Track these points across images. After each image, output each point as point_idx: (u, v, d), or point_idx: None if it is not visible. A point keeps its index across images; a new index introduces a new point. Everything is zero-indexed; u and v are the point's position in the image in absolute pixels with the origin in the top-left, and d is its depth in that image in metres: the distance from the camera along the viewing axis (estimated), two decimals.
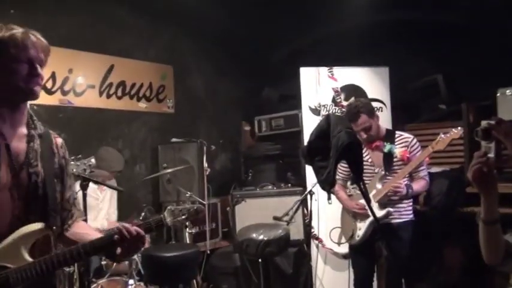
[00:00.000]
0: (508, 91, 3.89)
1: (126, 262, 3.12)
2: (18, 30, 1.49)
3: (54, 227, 1.54)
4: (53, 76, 4.01)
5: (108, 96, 4.53)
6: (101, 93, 4.47)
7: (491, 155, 1.39)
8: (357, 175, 1.97)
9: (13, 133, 1.50)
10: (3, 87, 1.46)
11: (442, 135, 2.94)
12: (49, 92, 4.01)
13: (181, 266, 2.64)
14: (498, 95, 3.91)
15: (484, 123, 1.38)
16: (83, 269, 2.69)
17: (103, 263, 3.25)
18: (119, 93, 4.62)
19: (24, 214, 1.49)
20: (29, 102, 1.57)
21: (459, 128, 2.94)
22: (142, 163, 4.80)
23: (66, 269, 2.63)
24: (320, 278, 4.14)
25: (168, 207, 1.68)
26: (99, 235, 1.61)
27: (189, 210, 1.69)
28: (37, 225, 1.49)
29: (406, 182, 3.05)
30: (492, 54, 4.07)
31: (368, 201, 1.95)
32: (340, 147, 1.83)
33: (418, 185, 3.10)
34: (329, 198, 2.20)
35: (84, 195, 2.53)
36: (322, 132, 1.96)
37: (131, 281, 3.06)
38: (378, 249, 3.05)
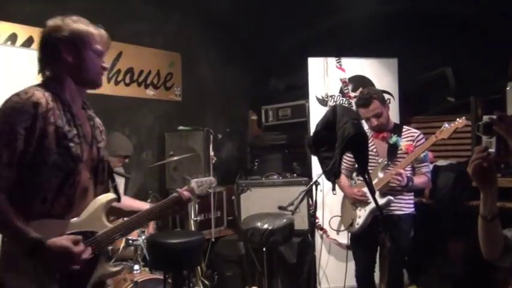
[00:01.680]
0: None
1: (132, 248, 3.16)
2: (102, 29, 1.78)
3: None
4: None
5: (116, 83, 4.54)
6: (108, 80, 4.48)
7: (492, 150, 1.38)
8: (362, 166, 1.97)
9: (80, 114, 1.74)
10: (80, 76, 1.70)
11: (446, 125, 2.94)
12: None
13: (186, 253, 2.66)
14: (508, 88, 3.88)
15: (486, 117, 1.37)
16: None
17: (109, 248, 3.28)
18: (127, 80, 4.63)
19: (94, 186, 1.74)
20: None
21: (463, 117, 2.93)
22: (149, 150, 4.83)
23: None
24: (323, 268, 4.17)
25: (193, 180, 2.06)
26: (143, 203, 1.98)
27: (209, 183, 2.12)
28: (110, 195, 1.77)
29: (408, 174, 3.05)
30: (502, 47, 4.02)
31: (373, 192, 1.95)
32: (346, 138, 1.83)
33: (419, 180, 3.09)
34: (333, 189, 2.20)
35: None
36: (328, 123, 1.96)
37: (136, 267, 3.10)
38: (382, 240, 3.06)
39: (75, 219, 1.64)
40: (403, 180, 2.94)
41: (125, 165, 4.07)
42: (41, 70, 1.72)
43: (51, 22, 1.69)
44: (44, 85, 1.66)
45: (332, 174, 1.93)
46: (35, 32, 3.83)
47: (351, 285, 3.51)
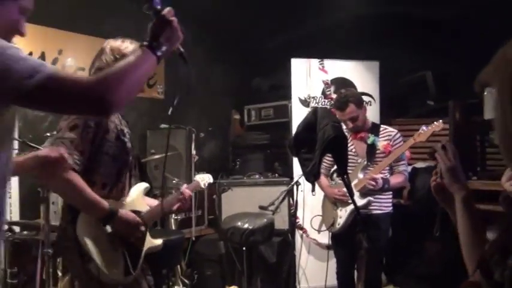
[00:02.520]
0: (494, 90, 3.94)
1: None
2: None
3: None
4: (42, 56, 3.96)
5: None
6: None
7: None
8: (341, 168, 2.01)
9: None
10: None
11: (424, 128, 3.01)
12: None
13: (165, 252, 2.64)
14: (485, 93, 3.95)
15: (436, 145, 1.47)
16: None
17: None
18: None
19: (129, 175, 2.09)
20: None
21: (440, 121, 3.00)
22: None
23: (49, 251, 2.65)
24: (303, 268, 4.21)
25: (197, 175, 2.57)
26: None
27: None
28: (146, 184, 2.23)
29: (384, 176, 3.10)
30: (481, 52, 4.11)
31: (352, 194, 1.99)
32: (326, 140, 1.86)
33: (396, 180, 3.15)
34: (313, 190, 2.23)
35: None
36: (309, 125, 1.99)
37: None
38: (359, 241, 3.11)
39: (127, 200, 2.05)
40: (378, 185, 3.00)
41: None
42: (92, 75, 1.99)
43: (119, 42, 2.15)
44: None
45: (312, 175, 1.97)
46: None
47: (332, 284, 3.54)
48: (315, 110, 1.99)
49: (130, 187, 2.12)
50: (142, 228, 2.01)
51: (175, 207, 2.33)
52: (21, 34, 1.44)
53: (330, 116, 1.95)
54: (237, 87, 5.67)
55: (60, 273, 2.90)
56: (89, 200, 1.81)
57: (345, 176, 1.96)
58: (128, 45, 2.11)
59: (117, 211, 1.89)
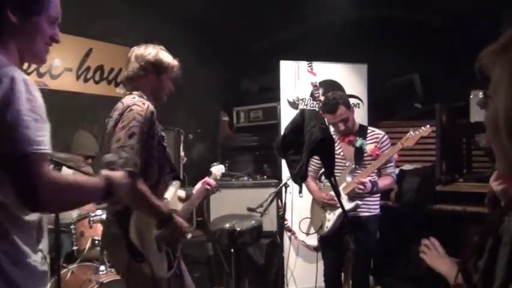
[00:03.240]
0: (480, 93, 3.99)
1: (98, 248, 3.11)
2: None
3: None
4: None
5: (86, 80, 4.47)
6: (78, 77, 4.40)
7: None
8: (328, 170, 2.01)
9: None
10: (155, 94, 2.24)
11: (412, 132, 3.02)
12: (24, 73, 3.92)
13: None
14: (471, 96, 4.02)
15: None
16: (54, 253, 2.67)
17: (74, 248, 3.23)
18: (97, 77, 4.56)
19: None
20: None
21: (428, 126, 3.02)
22: None
23: None
24: (291, 269, 4.21)
25: (213, 167, 2.77)
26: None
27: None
28: (179, 182, 2.34)
29: (372, 179, 3.11)
30: (468, 55, 4.15)
31: (338, 195, 1.99)
32: (313, 142, 1.86)
33: (384, 182, 3.17)
34: (300, 192, 2.25)
35: None
36: (296, 127, 1.99)
37: (102, 267, 3.04)
38: (346, 243, 3.12)
39: (167, 199, 2.16)
40: (366, 189, 3.02)
41: (91, 164, 4.02)
42: (126, 82, 2.24)
43: (143, 49, 2.25)
44: (142, 96, 2.13)
45: (299, 177, 1.96)
46: None
47: (321, 286, 3.53)
48: (302, 112, 1.98)
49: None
50: (188, 233, 2.24)
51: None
52: (57, 42, 1.57)
53: (317, 118, 1.95)
54: (226, 89, 5.67)
55: None
56: (153, 205, 1.96)
57: (332, 178, 1.96)
58: (150, 51, 2.21)
59: (173, 216, 2.04)
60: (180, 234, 2.14)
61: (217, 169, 2.76)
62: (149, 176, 2.05)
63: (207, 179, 2.60)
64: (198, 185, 2.58)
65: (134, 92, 2.14)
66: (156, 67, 2.19)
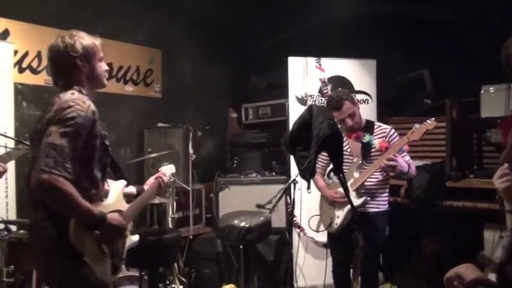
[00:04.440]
0: (491, 88, 3.96)
1: None
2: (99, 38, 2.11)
3: None
4: (38, 55, 3.96)
5: None
6: None
7: None
8: (336, 166, 2.01)
9: None
10: (94, 80, 2.06)
11: (417, 126, 2.99)
12: (34, 71, 3.95)
13: (162, 250, 2.66)
14: (482, 92, 3.98)
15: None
16: None
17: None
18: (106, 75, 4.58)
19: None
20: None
21: (432, 118, 2.99)
22: (127, 147, 4.79)
23: None
24: (300, 266, 4.21)
25: (163, 167, 2.61)
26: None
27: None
28: (124, 182, 2.25)
29: (382, 175, 3.09)
30: (479, 51, 4.12)
31: (347, 191, 1.99)
32: (321, 138, 1.86)
33: (409, 162, 3.10)
34: (308, 187, 2.23)
35: None
36: (304, 123, 1.99)
37: None
38: (355, 239, 3.10)
39: (108, 201, 2.06)
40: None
41: None
42: (57, 80, 2.01)
43: (60, 42, 1.97)
44: (81, 92, 1.97)
45: (307, 173, 1.97)
46: (11, 25, 3.77)
47: (331, 282, 3.52)
48: (310, 108, 1.99)
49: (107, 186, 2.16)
50: (127, 230, 2.09)
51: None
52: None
53: (325, 113, 1.95)
54: (234, 85, 5.67)
55: None
56: (80, 208, 1.80)
57: (341, 175, 1.96)
58: (72, 41, 1.97)
59: (106, 217, 1.89)
60: (116, 235, 1.99)
61: (167, 169, 2.65)
62: (89, 176, 1.94)
63: (160, 173, 2.51)
64: (151, 180, 2.49)
65: (74, 87, 1.97)
66: (84, 56, 1.99)
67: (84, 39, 2.00)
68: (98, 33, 4.74)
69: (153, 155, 3.98)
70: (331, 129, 1.88)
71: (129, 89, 4.81)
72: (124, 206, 2.15)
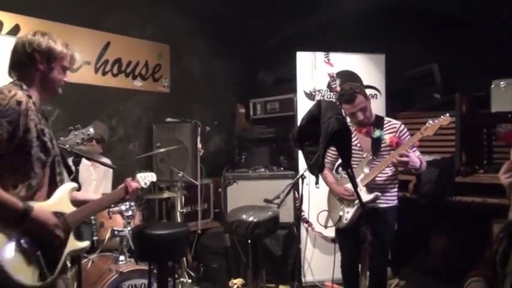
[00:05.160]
0: (502, 83, 3.91)
1: (117, 238, 3.16)
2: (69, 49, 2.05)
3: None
4: None
5: (104, 73, 4.52)
6: (96, 70, 4.46)
7: None
8: (345, 161, 2.00)
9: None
10: (47, 83, 1.98)
11: (431, 122, 2.96)
12: None
13: (171, 244, 2.67)
14: (492, 86, 3.94)
15: None
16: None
17: (94, 238, 3.29)
18: (115, 70, 4.61)
19: (54, 176, 1.99)
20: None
21: (447, 114, 2.96)
22: (136, 141, 4.82)
23: None
24: (308, 261, 4.22)
25: (138, 174, 2.45)
26: (94, 195, 2.41)
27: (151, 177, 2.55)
28: (73, 184, 2.08)
29: (392, 171, 3.07)
30: (488, 45, 4.08)
31: (355, 186, 1.98)
32: (330, 133, 1.85)
33: (420, 158, 3.08)
34: (317, 183, 2.23)
35: (77, 171, 2.56)
36: (312, 118, 1.98)
37: (122, 257, 3.10)
38: (363, 234, 3.10)
39: (48, 201, 1.93)
40: (411, 158, 2.93)
41: (111, 156, 4.08)
42: (10, 71, 1.96)
43: (31, 35, 1.96)
44: (19, 85, 1.89)
45: (316, 168, 1.96)
46: (21, 20, 3.79)
47: (339, 278, 3.52)
48: (318, 103, 1.97)
49: (56, 188, 2.00)
50: (59, 230, 1.88)
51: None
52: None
53: (334, 108, 1.93)
54: (242, 81, 5.67)
55: (69, 264, 2.93)
56: (1, 198, 1.72)
57: (350, 170, 1.95)
58: (39, 38, 1.96)
59: (31, 210, 1.77)
60: (41, 232, 1.82)
61: (144, 176, 2.47)
62: (22, 174, 1.83)
63: (128, 180, 2.35)
64: (120, 186, 2.34)
65: (18, 81, 1.92)
66: (46, 55, 1.94)
67: (55, 42, 1.98)
68: (106, 28, 4.75)
69: (162, 150, 4.00)
70: (339, 124, 1.86)
71: (138, 84, 4.83)
72: (68, 209, 1.98)
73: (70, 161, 2.58)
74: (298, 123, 2.09)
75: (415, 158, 3.01)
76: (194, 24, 5.29)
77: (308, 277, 4.20)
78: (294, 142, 2.04)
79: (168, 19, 5.07)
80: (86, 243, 2.07)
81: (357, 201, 3.09)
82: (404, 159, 2.93)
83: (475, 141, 4.27)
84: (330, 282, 3.84)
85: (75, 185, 2.08)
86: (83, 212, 2.07)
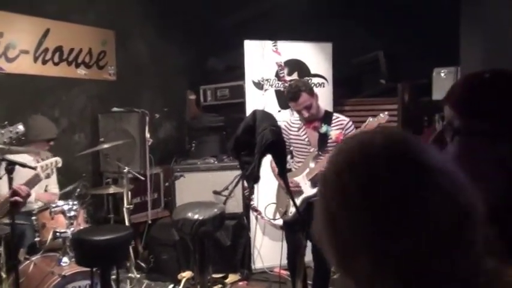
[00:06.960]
0: (442, 71, 4.05)
1: (60, 240, 3.10)
2: None
3: None
4: None
5: (44, 62, 4.31)
6: (35, 59, 4.24)
7: None
8: (281, 169, 2.03)
9: None
10: None
11: (371, 119, 3.07)
12: None
13: (113, 249, 2.65)
14: (434, 74, 4.07)
15: None
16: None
17: (36, 239, 3.21)
18: (56, 59, 4.41)
19: None
20: None
21: (386, 113, 3.08)
22: (81, 132, 4.67)
23: None
24: (258, 248, 4.31)
25: (38, 164, 2.47)
26: None
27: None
28: None
29: None
30: (432, 34, 4.18)
31: (291, 195, 2.03)
32: (264, 145, 1.88)
33: None
34: (252, 194, 2.27)
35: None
36: (248, 128, 2.00)
37: (65, 259, 3.04)
38: (298, 240, 3.18)
39: None
40: None
41: (55, 147, 3.94)
42: None
43: None
44: None
45: (251, 179, 1.98)
46: None
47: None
48: (253, 113, 1.99)
49: None
50: None
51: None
52: None
53: (268, 119, 1.96)
54: (192, 67, 5.57)
55: (4, 275, 2.86)
56: None
57: (285, 178, 1.99)
58: None
59: None
60: None
61: (46, 166, 2.50)
62: None
63: (16, 186, 2.30)
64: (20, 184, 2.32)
65: None
66: None
67: None
68: (45, 14, 4.51)
69: (106, 146, 3.88)
70: (273, 136, 1.89)
71: (82, 72, 4.65)
72: None
73: None
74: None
75: None
76: (141, 8, 5.11)
77: (258, 264, 4.29)
78: (230, 152, 2.05)
79: (113, 3, 4.86)
80: None
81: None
82: None
83: (416, 129, 4.42)
84: (278, 267, 3.92)
85: None
86: None
